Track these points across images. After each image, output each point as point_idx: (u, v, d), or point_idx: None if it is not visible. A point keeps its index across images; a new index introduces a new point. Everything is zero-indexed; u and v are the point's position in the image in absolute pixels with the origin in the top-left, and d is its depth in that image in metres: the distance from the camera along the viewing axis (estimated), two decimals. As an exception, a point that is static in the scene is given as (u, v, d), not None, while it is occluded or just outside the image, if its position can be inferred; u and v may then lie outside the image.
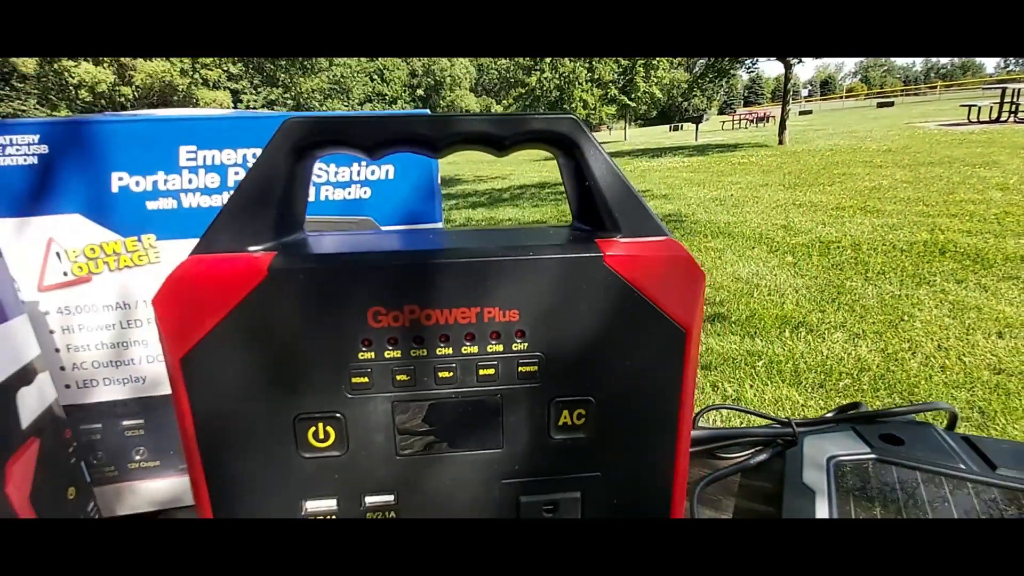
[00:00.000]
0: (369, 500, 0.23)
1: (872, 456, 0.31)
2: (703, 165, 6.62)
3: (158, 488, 0.33)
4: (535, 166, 9.16)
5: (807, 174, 5.25)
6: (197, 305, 0.20)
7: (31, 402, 0.22)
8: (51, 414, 0.24)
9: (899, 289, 2.35)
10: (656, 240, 0.22)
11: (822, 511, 0.27)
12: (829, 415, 0.35)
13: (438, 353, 0.21)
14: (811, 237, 3.16)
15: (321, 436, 0.22)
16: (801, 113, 23.23)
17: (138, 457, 0.34)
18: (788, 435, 0.34)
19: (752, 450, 0.35)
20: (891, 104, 23.27)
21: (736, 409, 0.39)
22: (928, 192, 3.97)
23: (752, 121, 17.85)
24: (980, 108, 9.34)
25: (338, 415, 0.21)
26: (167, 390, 0.32)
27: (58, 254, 0.29)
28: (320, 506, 0.22)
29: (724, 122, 19.96)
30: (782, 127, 8.14)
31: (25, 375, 0.22)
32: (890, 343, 1.87)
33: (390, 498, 0.23)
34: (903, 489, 0.28)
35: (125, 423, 0.33)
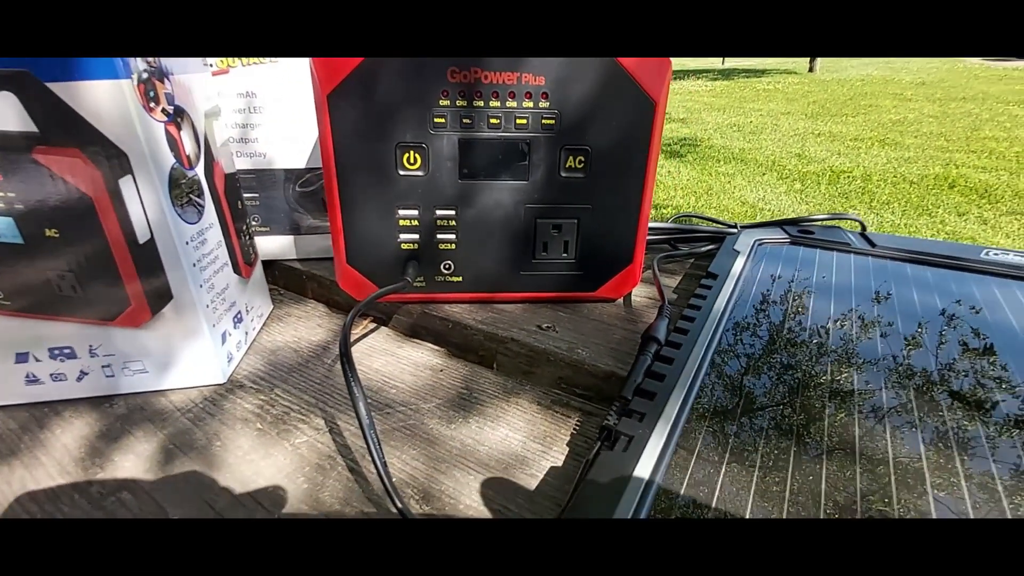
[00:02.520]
0: (439, 212, 0.35)
1: (787, 240, 0.43)
2: (726, 90, 6.38)
3: (270, 245, 0.46)
4: None
5: (832, 104, 5.09)
6: (336, 60, 0.31)
7: (218, 132, 0.34)
8: (226, 146, 0.35)
9: (899, 219, 2.41)
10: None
11: (738, 265, 0.39)
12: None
13: (491, 105, 0.32)
14: (823, 166, 3.17)
15: (412, 160, 0.33)
16: (840, 42, 21.68)
17: (255, 223, 0.46)
18: (733, 232, 0.45)
19: (706, 243, 0.47)
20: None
21: (701, 217, 0.50)
22: (953, 128, 3.89)
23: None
24: (1031, 45, 8.73)
25: (424, 145, 0.33)
26: (279, 165, 0.43)
27: (207, 49, 0.39)
28: (407, 213, 0.35)
29: (757, 48, 18.72)
30: (816, 54, 7.71)
31: (215, 113, 0.34)
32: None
33: (452, 212, 0.35)
34: (803, 258, 0.40)
35: (246, 195, 0.45)
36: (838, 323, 0.31)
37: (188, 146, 0.30)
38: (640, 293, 0.41)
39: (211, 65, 0.40)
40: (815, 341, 0.29)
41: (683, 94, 6.20)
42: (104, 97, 0.24)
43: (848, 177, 2.96)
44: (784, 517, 0.19)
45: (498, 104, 0.32)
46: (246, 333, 0.36)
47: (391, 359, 0.34)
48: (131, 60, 0.25)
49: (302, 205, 0.46)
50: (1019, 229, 2.23)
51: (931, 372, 0.27)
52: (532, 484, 0.24)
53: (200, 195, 0.31)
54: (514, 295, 0.38)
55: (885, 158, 3.28)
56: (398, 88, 0.31)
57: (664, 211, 2.58)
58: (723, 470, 0.21)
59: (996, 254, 0.38)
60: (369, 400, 0.30)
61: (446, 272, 0.37)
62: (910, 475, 0.21)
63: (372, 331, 0.38)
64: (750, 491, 0.20)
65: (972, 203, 2.53)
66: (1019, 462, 0.21)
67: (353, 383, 0.24)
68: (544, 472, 0.25)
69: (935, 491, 0.20)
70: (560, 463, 0.25)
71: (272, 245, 0.46)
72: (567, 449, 0.26)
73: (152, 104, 0.27)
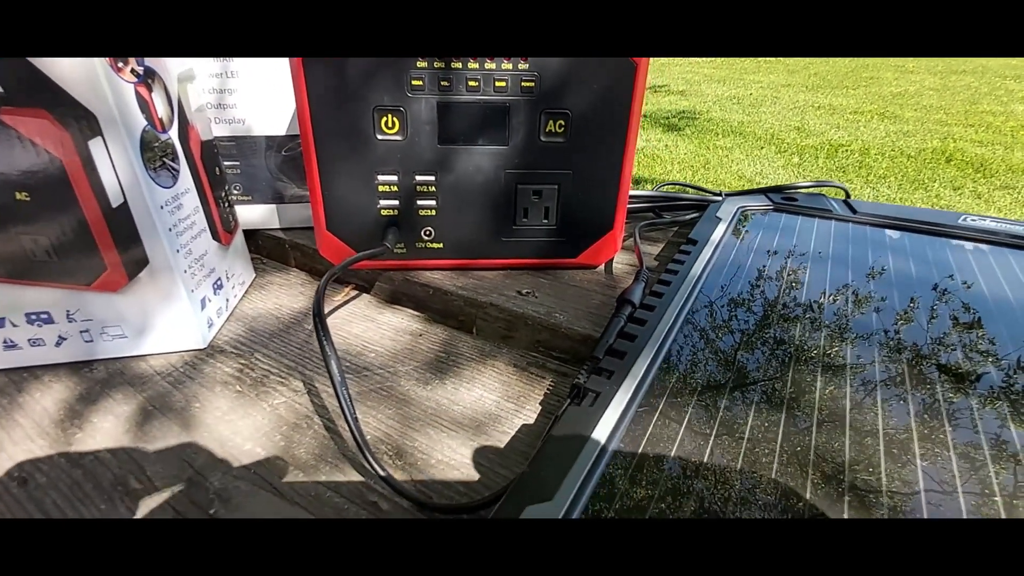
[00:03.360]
0: (418, 178, 0.35)
1: (771, 207, 0.43)
2: (727, 61, 6.27)
3: (252, 213, 0.46)
4: None
5: (833, 76, 5.02)
6: (311, 19, 0.30)
7: (193, 96, 0.33)
8: (203, 111, 0.35)
9: (895, 192, 2.41)
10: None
11: (719, 231, 0.39)
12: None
13: (469, 67, 0.32)
14: (822, 140, 3.14)
15: (390, 124, 0.33)
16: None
17: (236, 192, 0.46)
18: (718, 199, 0.45)
19: (690, 211, 0.47)
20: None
21: (686, 185, 0.50)
22: (952, 101, 3.85)
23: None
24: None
25: (401, 108, 0.32)
26: (258, 132, 0.43)
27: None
28: (387, 179, 0.34)
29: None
30: (818, 25, 7.54)
31: (189, 77, 0.33)
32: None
33: (432, 177, 0.35)
34: (784, 224, 0.40)
35: (226, 163, 0.45)
36: (811, 289, 0.31)
37: (160, 109, 0.29)
38: (622, 260, 0.41)
39: (185, 27, 0.39)
40: (786, 306, 0.30)
41: (683, 65, 6.09)
42: (69, 60, 0.24)
43: (846, 151, 2.94)
44: (738, 472, 0.19)
45: (477, 66, 0.32)
46: (227, 300, 0.36)
47: (371, 324, 0.35)
48: (95, 17, 0.25)
49: (285, 174, 0.45)
50: (1011, 203, 2.24)
51: (900, 338, 0.27)
52: (504, 440, 0.25)
53: (175, 159, 0.30)
54: (495, 261, 0.38)
55: (884, 131, 3.25)
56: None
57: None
58: (683, 428, 0.21)
59: (974, 220, 0.38)
60: (347, 364, 0.31)
61: (427, 238, 0.37)
62: (866, 441, 0.21)
63: (354, 298, 0.38)
64: (707, 449, 0.20)
65: (967, 177, 2.52)
66: (978, 425, 0.22)
67: (325, 342, 0.24)
68: (516, 429, 0.25)
69: (919, 460, 0.20)
70: (532, 420, 0.26)
71: (254, 214, 0.46)
72: (539, 408, 0.27)
73: (120, 64, 0.26)
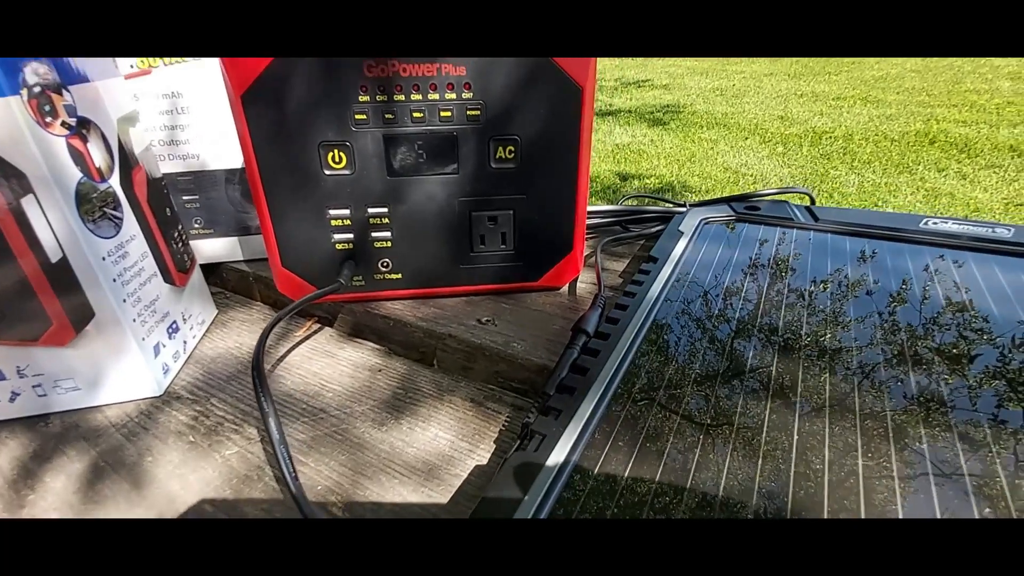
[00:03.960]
0: (371, 210, 0.34)
1: (733, 217, 0.43)
2: (710, 53, 6.28)
3: (214, 247, 0.45)
4: None
5: (815, 63, 5.03)
6: (247, 60, 0.29)
7: (137, 138, 0.33)
8: (149, 151, 0.34)
9: (880, 177, 2.41)
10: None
11: (680, 246, 0.38)
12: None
13: (412, 99, 0.31)
14: (806, 128, 3.15)
15: (337, 159, 0.32)
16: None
17: (197, 225, 0.45)
18: (682, 211, 0.45)
19: (656, 223, 0.47)
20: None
21: (650, 196, 0.50)
22: (935, 82, 3.86)
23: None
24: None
25: (347, 143, 0.32)
26: (212, 166, 0.42)
27: (125, 50, 0.38)
28: (338, 213, 0.34)
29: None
30: (799, 11, 7.57)
31: (131, 119, 0.33)
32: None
33: (384, 209, 0.34)
34: (746, 235, 0.40)
35: (185, 198, 0.44)
36: (768, 305, 0.31)
37: (98, 158, 0.29)
38: (588, 279, 0.41)
39: (132, 67, 0.39)
40: (740, 325, 0.30)
41: (666, 60, 6.10)
42: (-12, 117, 0.23)
43: (830, 137, 2.95)
44: (683, 519, 0.19)
45: (420, 97, 0.31)
46: (184, 342, 0.35)
47: (330, 361, 0.34)
48: (19, 75, 0.24)
49: (250, 204, 0.45)
50: (997, 182, 2.25)
51: (856, 355, 0.27)
52: (455, 484, 0.25)
53: (116, 207, 0.30)
54: (456, 289, 0.38)
55: (867, 116, 3.26)
56: (314, 86, 0.30)
57: (646, 181, 2.57)
58: (628, 469, 0.21)
59: (935, 223, 0.38)
60: (303, 406, 0.30)
61: (384, 270, 0.36)
62: (811, 471, 0.21)
63: (316, 332, 0.38)
64: (651, 492, 0.20)
65: (952, 158, 2.53)
66: (922, 447, 0.21)
67: (263, 399, 0.24)
68: (468, 471, 0.25)
69: (862, 490, 0.20)
70: (485, 461, 0.26)
71: (216, 248, 0.45)
72: (493, 447, 0.27)
73: (48, 119, 0.26)
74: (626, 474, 0.21)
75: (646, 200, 1.60)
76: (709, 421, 0.23)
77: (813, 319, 0.30)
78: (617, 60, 6.18)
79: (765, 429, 0.22)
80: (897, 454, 0.21)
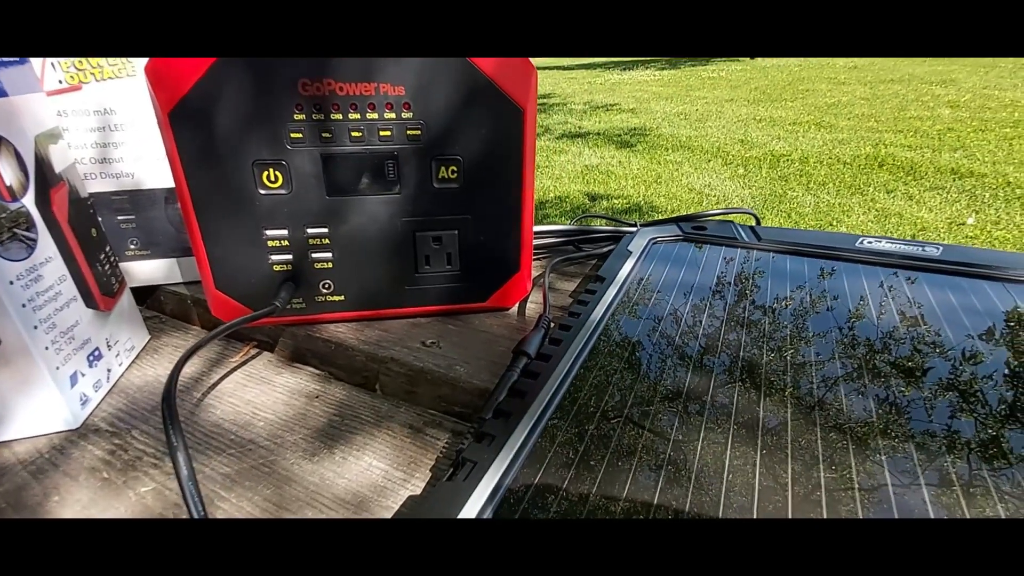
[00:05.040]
0: (310, 231, 0.33)
1: (681, 237, 0.43)
2: (674, 79, 6.51)
3: (151, 269, 0.43)
4: None
5: (772, 89, 5.27)
6: (174, 77, 0.29)
7: (59, 156, 0.31)
8: (73, 169, 0.32)
9: (835, 198, 2.52)
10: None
11: (628, 266, 0.39)
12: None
13: (350, 118, 0.31)
14: (765, 151, 3.28)
15: (272, 178, 0.31)
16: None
17: (133, 247, 0.43)
18: (633, 230, 0.45)
19: (607, 243, 0.47)
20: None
21: (603, 216, 0.50)
22: (882, 109, 4.08)
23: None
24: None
25: (283, 162, 0.31)
26: (149, 185, 0.41)
27: (52, 64, 0.36)
28: (275, 233, 0.33)
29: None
30: (756, 41, 7.93)
31: (52, 136, 0.31)
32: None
33: (324, 229, 0.33)
34: (692, 255, 0.41)
35: (119, 218, 0.42)
36: (712, 321, 0.31)
37: (8, 176, 0.27)
38: (537, 299, 0.40)
39: (60, 82, 0.37)
40: (681, 345, 0.30)
41: (632, 84, 6.29)
42: None
43: (787, 160, 3.07)
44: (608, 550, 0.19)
45: (358, 116, 0.31)
46: (108, 370, 0.33)
47: (266, 388, 0.33)
48: (-87, 87, 0.23)
49: (187, 225, 0.43)
50: (940, 203, 2.37)
51: (792, 377, 0.27)
52: (386, 515, 0.23)
53: (30, 228, 0.28)
54: (401, 311, 0.37)
55: (821, 140, 3.42)
56: (246, 103, 0.29)
57: (615, 201, 2.61)
58: (560, 494, 0.20)
59: (870, 242, 0.39)
60: (232, 437, 0.29)
61: (326, 291, 0.35)
62: (741, 483, 0.21)
63: (254, 357, 0.36)
64: (584, 516, 0.19)
65: (899, 180, 2.67)
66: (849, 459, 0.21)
67: (172, 432, 0.22)
68: (401, 502, 0.24)
69: (760, 492, 0.20)
70: (419, 490, 0.25)
71: (153, 270, 0.43)
72: (429, 475, 0.26)
73: (-51, 134, 0.24)
74: (558, 500, 0.20)
75: (599, 221, 1.63)
76: (643, 443, 0.23)
77: (754, 336, 0.30)
78: (587, 84, 6.34)
79: (698, 448, 0.22)
80: (824, 456, 0.21)
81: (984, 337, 0.29)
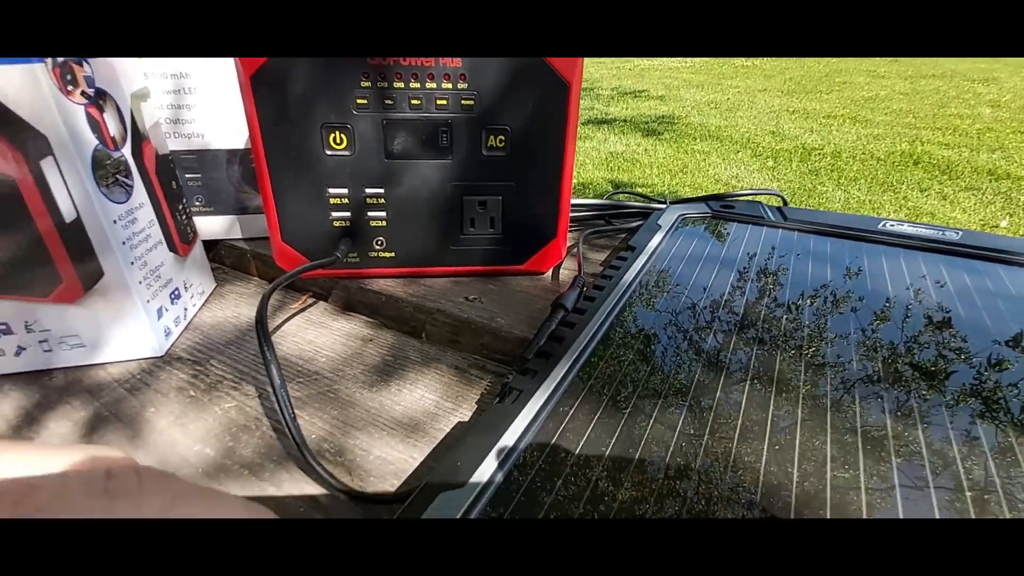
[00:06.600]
0: (368, 191, 0.36)
1: (709, 213, 0.45)
2: (706, 66, 6.37)
3: (214, 224, 0.47)
4: None
5: (808, 81, 5.13)
6: (259, 42, 0.32)
7: (148, 113, 0.35)
8: (157, 127, 0.36)
9: (865, 195, 2.48)
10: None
11: (657, 239, 0.41)
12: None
13: (411, 86, 0.34)
14: (796, 144, 3.21)
15: (338, 140, 0.35)
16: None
17: (198, 203, 0.47)
18: (662, 207, 0.48)
19: (637, 218, 0.49)
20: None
21: (633, 193, 0.53)
22: (921, 105, 3.96)
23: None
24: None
25: (348, 125, 0.34)
26: (215, 146, 0.44)
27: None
28: (337, 191, 0.36)
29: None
30: (794, 30, 7.70)
31: (143, 95, 0.34)
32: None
33: (381, 190, 0.36)
34: (719, 231, 0.43)
35: (188, 176, 0.46)
36: (733, 294, 0.34)
37: (112, 128, 0.31)
38: (570, 267, 0.43)
39: (144, 46, 0.40)
40: (705, 313, 0.32)
41: (663, 71, 6.18)
42: (17, 81, 0.25)
43: (819, 154, 3.01)
44: (632, 470, 0.21)
45: (418, 85, 0.34)
46: (184, 309, 0.37)
47: (324, 331, 0.36)
48: (46, 44, 0.26)
49: (247, 185, 0.47)
50: (975, 204, 2.31)
51: (808, 343, 0.30)
52: (438, 436, 0.27)
53: (128, 175, 0.32)
54: (445, 269, 0.40)
55: (855, 135, 3.34)
56: (319, 70, 0.33)
57: (639, 190, 2.61)
58: (591, 427, 0.23)
59: (892, 225, 0.41)
60: (298, 369, 0.32)
61: (378, 248, 0.38)
62: (752, 442, 0.23)
63: (310, 306, 0.40)
64: (607, 448, 0.22)
65: (934, 179, 2.60)
66: (860, 417, 0.24)
67: (265, 346, 0.26)
68: (451, 426, 0.27)
69: (794, 464, 0.23)
70: (467, 418, 0.28)
71: (216, 225, 0.47)
72: (475, 406, 0.29)
73: (70, 87, 0.28)
74: (590, 430, 0.23)
75: (630, 197, 1.62)
76: (669, 385, 0.25)
77: (775, 308, 0.32)
78: (615, 69, 6.25)
79: (716, 397, 0.25)
80: (833, 429, 0.23)
81: (991, 316, 0.31)
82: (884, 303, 0.32)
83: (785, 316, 0.31)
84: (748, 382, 0.26)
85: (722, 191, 2.73)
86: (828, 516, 0.19)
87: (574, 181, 2.96)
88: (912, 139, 3.17)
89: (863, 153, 3.00)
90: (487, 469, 0.21)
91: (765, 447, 0.22)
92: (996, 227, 2.13)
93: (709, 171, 2.88)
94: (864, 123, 3.58)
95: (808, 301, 0.33)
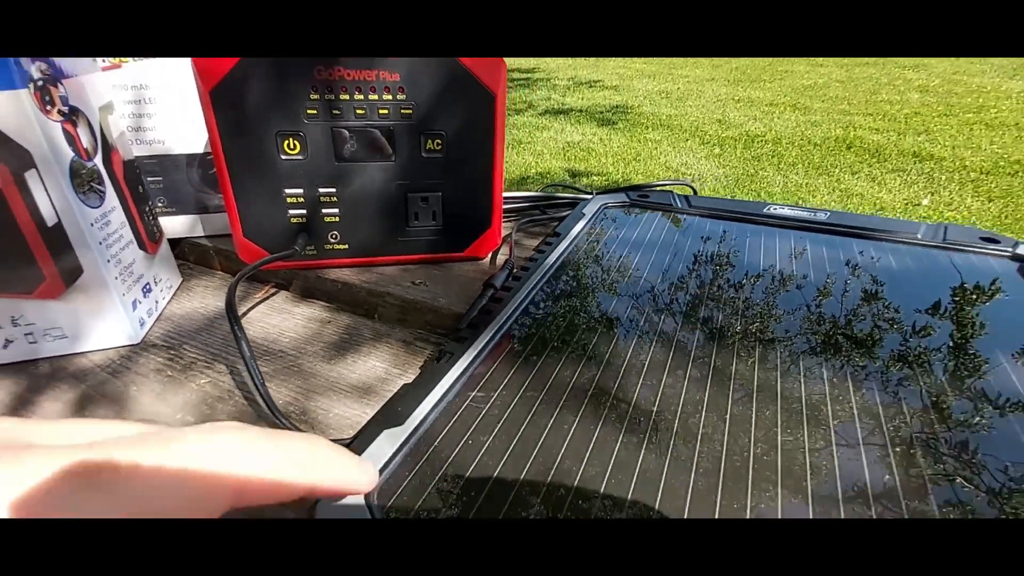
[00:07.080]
0: (321, 190, 0.41)
1: (627, 203, 0.52)
2: (657, 58, 6.53)
3: (176, 224, 0.51)
4: None
5: (752, 70, 5.34)
6: (215, 62, 0.36)
7: (114, 124, 0.38)
8: (123, 136, 0.39)
9: (803, 179, 2.64)
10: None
11: (580, 225, 0.47)
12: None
13: (355, 98, 0.38)
14: (740, 131, 3.37)
15: (292, 146, 0.39)
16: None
17: (160, 204, 0.50)
18: (588, 198, 0.54)
19: (568, 208, 0.55)
20: None
21: (565, 186, 0.59)
22: (855, 92, 4.20)
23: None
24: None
25: (301, 133, 0.39)
26: (175, 151, 0.48)
27: (97, 46, 0.43)
28: (293, 191, 0.41)
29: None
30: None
31: (109, 108, 0.38)
32: (780, 221, 2.17)
33: (333, 189, 0.41)
34: (633, 218, 0.49)
35: (150, 179, 0.49)
36: (642, 270, 0.40)
37: (85, 140, 0.34)
38: (506, 252, 0.49)
39: (106, 62, 0.44)
40: (615, 285, 0.39)
41: (616, 61, 6.29)
42: (4, 105, 0.29)
43: (761, 141, 3.18)
44: (535, 415, 0.28)
45: (362, 97, 0.38)
46: (156, 302, 0.41)
47: (287, 316, 0.41)
48: (27, 70, 0.30)
49: (207, 186, 0.50)
50: (900, 185, 2.50)
51: (693, 306, 0.36)
52: (388, 395, 0.32)
53: (100, 183, 0.36)
54: (394, 258, 0.45)
55: (795, 122, 3.52)
56: (272, 84, 0.37)
57: (594, 178, 2.69)
58: (506, 379, 0.29)
59: (776, 208, 0.49)
60: (263, 349, 0.37)
61: (333, 241, 0.43)
62: (635, 376, 0.30)
63: (273, 295, 0.44)
64: (521, 390, 0.28)
65: (864, 162, 2.79)
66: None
67: (236, 327, 0.31)
68: (398, 387, 0.33)
69: (676, 435, 0.29)
70: (411, 379, 0.33)
71: (179, 224, 0.50)
72: (419, 371, 0.34)
73: (48, 107, 0.31)
74: (506, 379, 0.29)
75: (561, 189, 1.70)
76: (576, 342, 0.32)
77: (676, 281, 0.39)
78: (571, 61, 6.33)
79: (615, 341, 0.31)
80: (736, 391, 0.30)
81: (833, 280, 0.38)
82: (758, 274, 0.39)
83: (681, 288, 0.38)
84: (639, 336, 0.32)
85: (672, 178, 2.84)
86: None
87: (534, 170, 2.99)
88: (846, 125, 3.38)
89: (801, 139, 3.18)
90: (421, 412, 0.26)
91: (661, 383, 0.28)
92: (918, 204, 2.32)
93: (661, 159, 2.99)
94: (803, 110, 3.78)
95: (699, 273, 0.39)
